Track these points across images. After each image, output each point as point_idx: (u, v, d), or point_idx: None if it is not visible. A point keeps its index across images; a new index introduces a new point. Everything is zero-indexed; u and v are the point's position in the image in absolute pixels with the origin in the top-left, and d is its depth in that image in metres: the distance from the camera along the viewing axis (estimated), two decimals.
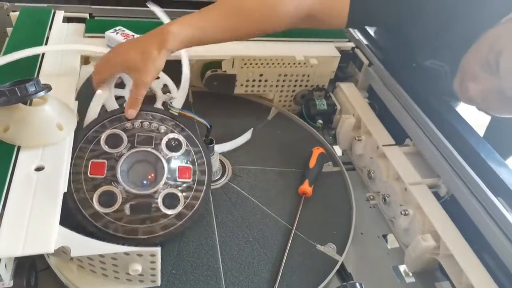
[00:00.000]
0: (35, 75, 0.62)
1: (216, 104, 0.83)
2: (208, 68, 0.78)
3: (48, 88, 0.51)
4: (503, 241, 0.54)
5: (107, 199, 0.50)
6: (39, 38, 0.71)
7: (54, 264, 0.50)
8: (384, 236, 0.66)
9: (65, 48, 0.69)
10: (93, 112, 0.57)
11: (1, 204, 0.43)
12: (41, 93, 0.50)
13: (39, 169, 0.48)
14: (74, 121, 0.55)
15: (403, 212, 0.61)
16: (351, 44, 0.86)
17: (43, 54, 0.67)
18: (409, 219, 0.62)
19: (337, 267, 0.58)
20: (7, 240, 0.40)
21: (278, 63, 0.79)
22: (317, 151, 0.71)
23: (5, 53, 0.67)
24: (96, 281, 0.49)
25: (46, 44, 0.70)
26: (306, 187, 0.66)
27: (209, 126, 0.59)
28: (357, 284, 0.52)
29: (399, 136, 0.73)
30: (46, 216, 0.43)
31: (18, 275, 0.45)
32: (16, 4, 0.77)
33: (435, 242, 0.57)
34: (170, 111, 0.58)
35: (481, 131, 0.67)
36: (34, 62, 0.65)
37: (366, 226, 0.66)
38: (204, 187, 0.55)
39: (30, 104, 0.52)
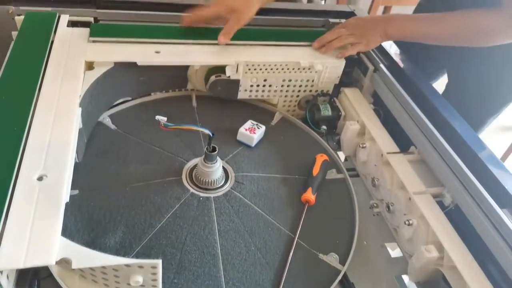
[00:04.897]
0: (39, 79, 0.62)
1: (220, 109, 0.82)
2: (213, 73, 0.78)
3: None
4: (507, 253, 0.53)
5: None
6: (44, 42, 0.71)
7: (57, 272, 0.50)
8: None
9: None
10: None
11: (3, 215, 0.43)
12: None
13: (41, 178, 0.48)
14: None
15: (406, 222, 0.61)
16: None
17: (47, 59, 0.67)
18: (412, 229, 0.61)
19: (340, 277, 0.57)
20: (9, 253, 0.40)
21: (283, 69, 0.79)
22: (320, 158, 0.71)
23: (10, 56, 0.67)
24: None
25: (50, 48, 0.70)
26: (309, 195, 0.65)
27: (211, 135, 0.59)
28: None
29: (404, 142, 0.73)
30: (47, 227, 0.43)
31: (21, 284, 0.45)
32: (21, 8, 0.77)
33: (438, 253, 0.57)
34: (166, 129, 0.57)
35: (489, 143, 0.66)
36: (38, 66, 0.65)
37: (369, 234, 0.66)
38: None
39: None
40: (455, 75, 0.99)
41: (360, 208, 0.68)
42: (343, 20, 0.94)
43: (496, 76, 0.91)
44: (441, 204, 0.64)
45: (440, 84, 1.06)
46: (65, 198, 0.47)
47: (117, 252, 0.55)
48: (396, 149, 0.71)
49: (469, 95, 0.94)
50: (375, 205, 0.71)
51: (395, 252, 0.66)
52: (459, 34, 0.76)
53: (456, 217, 0.61)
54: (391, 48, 0.87)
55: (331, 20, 0.94)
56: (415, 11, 1.06)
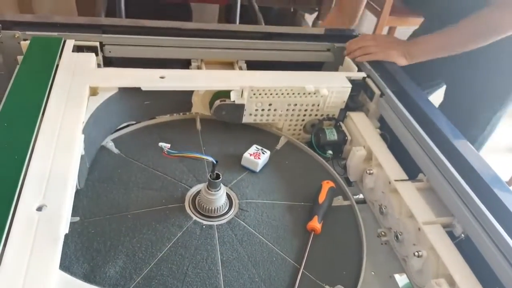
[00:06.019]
0: (43, 105, 0.62)
1: (224, 132, 0.82)
2: (217, 98, 0.77)
3: None
4: None
5: None
6: (49, 67, 0.71)
7: None
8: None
9: None
10: None
11: (0, 248, 0.42)
12: None
13: (40, 208, 0.47)
14: None
15: (416, 254, 0.59)
16: (363, 74, 0.84)
17: (51, 85, 0.67)
18: (422, 261, 0.59)
19: None
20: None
21: (288, 93, 0.78)
22: (326, 185, 0.69)
23: (15, 81, 0.67)
24: None
25: (55, 73, 0.70)
26: (315, 224, 0.64)
27: (215, 162, 0.58)
28: None
29: (412, 169, 0.71)
30: (45, 261, 0.42)
31: None
32: (28, 32, 0.78)
33: None
34: (169, 156, 0.57)
35: (498, 170, 0.64)
36: (42, 91, 0.65)
37: (377, 264, 0.64)
38: None
39: None
40: (451, 89, 1.08)
41: (367, 236, 0.66)
42: None
43: (489, 83, 1.01)
44: (451, 234, 0.62)
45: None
46: (65, 229, 0.46)
47: (117, 283, 0.54)
48: (404, 176, 0.70)
49: (464, 98, 1.03)
50: (383, 233, 0.69)
51: (402, 277, 0.64)
52: (474, 37, 0.84)
53: (466, 249, 0.59)
54: (397, 72, 0.86)
55: (336, 44, 0.94)
56: (418, 31, 1.12)
